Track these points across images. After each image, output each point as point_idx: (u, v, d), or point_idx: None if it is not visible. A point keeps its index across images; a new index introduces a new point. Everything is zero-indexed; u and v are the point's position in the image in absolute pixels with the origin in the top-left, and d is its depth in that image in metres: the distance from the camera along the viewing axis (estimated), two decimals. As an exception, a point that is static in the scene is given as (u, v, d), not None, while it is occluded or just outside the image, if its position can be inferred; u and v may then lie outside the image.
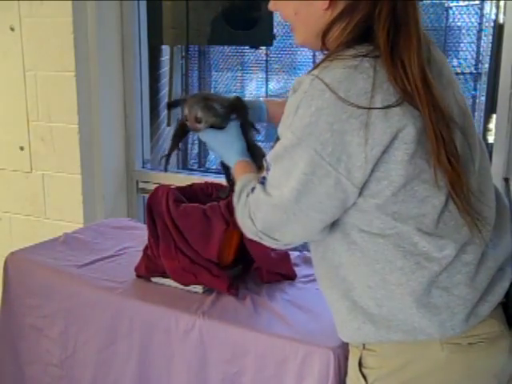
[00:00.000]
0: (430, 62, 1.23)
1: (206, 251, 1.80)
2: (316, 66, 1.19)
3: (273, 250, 1.89)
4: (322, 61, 1.19)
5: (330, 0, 1.21)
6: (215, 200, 1.87)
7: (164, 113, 3.73)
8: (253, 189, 1.30)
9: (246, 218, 1.31)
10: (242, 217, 1.33)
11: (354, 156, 1.13)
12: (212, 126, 1.55)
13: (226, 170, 1.69)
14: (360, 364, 1.32)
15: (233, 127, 1.55)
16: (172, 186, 1.93)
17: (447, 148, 1.15)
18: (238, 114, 1.57)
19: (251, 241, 1.76)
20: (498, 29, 2.43)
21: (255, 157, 1.55)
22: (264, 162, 1.30)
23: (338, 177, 1.15)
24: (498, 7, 2.62)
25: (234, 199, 1.38)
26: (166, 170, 1.79)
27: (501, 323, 1.26)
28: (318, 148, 1.13)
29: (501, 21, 2.39)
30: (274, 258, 1.89)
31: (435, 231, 1.19)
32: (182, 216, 1.82)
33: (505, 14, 2.28)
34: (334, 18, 1.21)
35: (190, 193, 2.01)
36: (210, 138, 1.56)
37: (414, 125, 1.13)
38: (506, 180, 1.32)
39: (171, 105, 1.89)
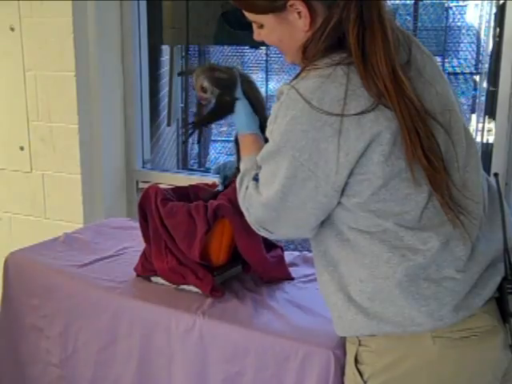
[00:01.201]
0: (409, 61, 1.26)
1: (190, 251, 1.80)
2: (295, 77, 1.24)
3: (269, 252, 1.90)
4: (301, 71, 1.24)
5: (310, 21, 1.24)
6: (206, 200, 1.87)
7: (164, 113, 3.73)
8: (254, 179, 1.37)
9: (244, 209, 1.39)
10: (242, 206, 1.41)
11: (329, 162, 1.18)
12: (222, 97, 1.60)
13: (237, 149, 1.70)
14: (356, 360, 1.34)
15: (239, 100, 1.59)
16: (169, 186, 1.93)
17: (424, 143, 1.18)
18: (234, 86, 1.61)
19: (245, 246, 1.79)
20: (498, 29, 2.44)
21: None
22: (258, 160, 1.36)
23: (317, 180, 1.20)
24: (497, 7, 2.62)
25: (237, 183, 1.44)
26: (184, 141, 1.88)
27: (494, 318, 1.27)
28: (295, 154, 1.19)
29: (501, 20, 2.39)
30: (269, 262, 1.87)
31: (418, 225, 1.22)
32: (168, 214, 1.82)
33: (504, 13, 2.28)
34: (312, 34, 1.25)
35: (185, 193, 2.01)
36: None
37: (389, 128, 1.16)
38: (496, 175, 1.34)
39: (182, 73, 1.97)
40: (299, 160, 1.19)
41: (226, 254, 1.86)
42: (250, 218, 1.38)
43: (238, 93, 1.59)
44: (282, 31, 1.30)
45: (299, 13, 1.24)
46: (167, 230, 1.82)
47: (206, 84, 1.59)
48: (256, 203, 1.33)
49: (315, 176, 1.19)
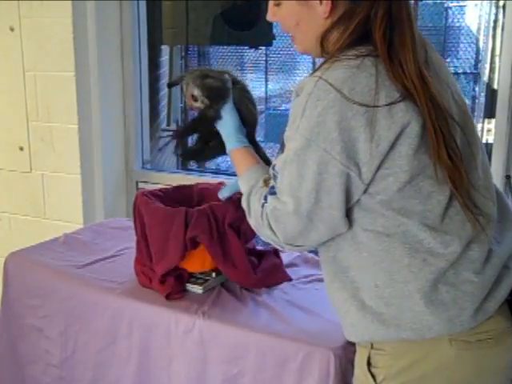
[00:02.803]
0: (426, 62, 1.25)
1: (157, 265, 1.83)
2: (317, 69, 1.20)
3: (259, 264, 1.91)
4: (324, 63, 1.21)
5: (330, 8, 1.22)
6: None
7: (164, 113, 3.73)
8: (265, 197, 1.30)
9: (266, 228, 1.30)
10: (260, 226, 1.32)
11: (361, 152, 1.15)
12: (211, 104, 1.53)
13: None
14: (369, 363, 1.31)
15: (227, 109, 1.54)
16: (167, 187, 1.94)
17: (447, 143, 1.17)
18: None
19: (228, 272, 1.80)
20: (499, 28, 2.44)
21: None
22: (270, 171, 1.30)
23: (349, 173, 1.17)
24: (497, 7, 2.63)
25: (243, 202, 1.37)
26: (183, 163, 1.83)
27: (507, 320, 1.27)
28: (327, 147, 1.15)
29: (500, 20, 2.39)
30: (257, 279, 1.86)
31: (441, 226, 1.20)
32: (147, 213, 1.84)
33: (504, 13, 2.28)
34: (333, 23, 1.23)
35: (188, 193, 2.02)
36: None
37: (418, 120, 1.15)
38: (508, 177, 1.33)
39: (171, 85, 1.88)
40: (330, 152, 1.15)
41: (210, 267, 1.88)
42: (278, 235, 1.28)
43: (226, 106, 1.54)
44: (300, 14, 1.26)
45: None
46: (144, 230, 1.87)
47: (196, 92, 1.52)
48: (284, 216, 1.24)
49: (347, 169, 1.16)
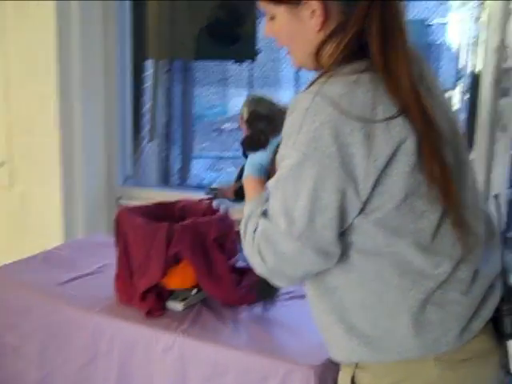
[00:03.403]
0: (421, 76, 1.24)
1: (139, 282, 1.82)
2: (312, 84, 1.19)
3: (241, 280, 1.90)
4: (319, 77, 1.19)
5: (322, 21, 1.21)
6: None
7: (146, 128, 3.72)
8: (262, 215, 1.26)
9: (255, 254, 1.24)
10: (250, 254, 1.26)
11: (358, 168, 1.13)
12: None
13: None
14: (353, 382, 1.30)
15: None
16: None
17: (440, 160, 1.16)
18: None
19: (210, 289, 1.80)
20: (480, 45, 2.46)
21: None
22: (264, 193, 1.27)
23: (346, 189, 1.14)
24: (478, 24, 2.65)
25: (241, 225, 1.32)
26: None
27: (491, 339, 1.26)
28: (325, 162, 1.13)
29: (481, 38, 2.41)
30: (239, 296, 1.85)
31: (431, 246, 1.19)
32: (130, 229, 1.84)
33: (486, 31, 2.31)
34: (326, 36, 1.22)
35: (170, 209, 2.01)
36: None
37: (414, 136, 1.14)
38: (496, 197, 1.33)
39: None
40: (328, 168, 1.12)
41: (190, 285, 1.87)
42: (266, 260, 1.22)
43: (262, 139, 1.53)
44: (293, 28, 1.25)
45: (313, 11, 1.20)
46: (127, 245, 1.86)
47: (245, 115, 1.55)
48: (275, 235, 1.19)
49: (344, 184, 1.13)
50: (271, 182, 1.23)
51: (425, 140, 1.14)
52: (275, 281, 1.28)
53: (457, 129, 1.28)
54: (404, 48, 1.18)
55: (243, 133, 1.60)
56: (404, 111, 1.14)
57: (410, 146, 1.14)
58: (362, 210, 1.17)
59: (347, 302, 1.25)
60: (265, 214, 1.24)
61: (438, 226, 1.18)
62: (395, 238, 1.18)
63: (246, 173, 1.52)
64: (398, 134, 1.13)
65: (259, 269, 1.26)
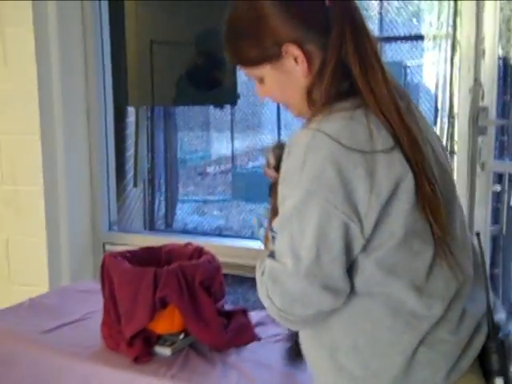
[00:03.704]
0: (409, 110, 1.24)
1: (126, 328, 1.81)
2: (308, 123, 1.19)
3: (229, 324, 1.89)
4: (314, 116, 1.19)
5: (308, 65, 1.22)
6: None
7: (130, 174, 3.73)
8: (268, 256, 1.24)
9: (265, 297, 1.21)
10: (262, 297, 1.24)
11: (360, 203, 1.13)
12: None
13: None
14: None
15: None
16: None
17: (436, 197, 1.17)
18: None
19: (197, 333, 1.79)
20: (455, 86, 2.52)
21: None
22: (269, 234, 1.25)
23: (350, 224, 1.13)
24: (452, 65, 2.72)
25: (256, 272, 1.29)
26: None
27: (479, 378, 1.25)
28: (329, 197, 1.12)
29: (456, 78, 2.47)
30: (226, 339, 1.85)
31: (425, 287, 1.18)
32: (116, 274, 1.84)
33: (459, 71, 2.37)
34: (313, 77, 1.23)
35: (156, 254, 2.02)
36: None
37: (412, 173, 1.14)
38: (478, 235, 1.33)
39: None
40: (333, 203, 1.12)
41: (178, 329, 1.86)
42: (275, 302, 1.19)
43: None
44: (283, 81, 1.26)
45: (295, 58, 1.21)
46: (112, 290, 1.86)
47: (271, 160, 1.51)
48: (282, 276, 1.17)
49: (349, 220, 1.12)
50: (276, 223, 1.21)
51: (420, 176, 1.15)
52: (287, 324, 1.25)
53: (445, 169, 1.29)
54: (383, 73, 1.19)
55: (271, 179, 1.57)
56: (399, 145, 1.15)
57: (409, 184, 1.14)
58: (363, 248, 1.16)
59: (339, 341, 1.23)
60: (271, 255, 1.22)
61: (431, 266, 1.18)
62: (392, 277, 1.17)
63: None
64: (398, 171, 1.13)
65: (271, 312, 1.23)
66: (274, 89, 1.30)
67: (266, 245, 1.36)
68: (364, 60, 1.19)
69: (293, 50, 1.21)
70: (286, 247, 1.18)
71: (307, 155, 1.14)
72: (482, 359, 1.26)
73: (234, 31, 1.28)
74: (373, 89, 1.17)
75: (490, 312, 1.27)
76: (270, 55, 1.23)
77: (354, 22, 1.20)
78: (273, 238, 1.22)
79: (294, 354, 1.49)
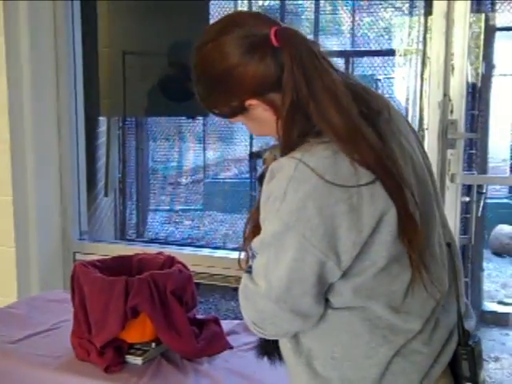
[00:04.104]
0: (388, 125, 1.24)
1: (96, 338, 1.80)
2: (289, 148, 1.19)
3: (200, 333, 1.89)
4: (298, 144, 1.19)
5: (273, 111, 1.23)
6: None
7: (101, 183, 3.71)
8: (246, 271, 1.25)
9: (241, 307, 1.25)
10: (239, 304, 1.27)
11: (342, 240, 1.12)
12: None
13: None
14: None
15: None
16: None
17: (415, 231, 1.16)
18: None
19: (168, 341, 1.78)
20: (425, 100, 2.57)
21: None
22: (249, 250, 1.25)
23: (327, 262, 1.13)
24: (422, 79, 2.77)
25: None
26: None
27: (450, 381, 1.27)
28: (307, 234, 1.11)
29: (426, 92, 2.52)
30: (198, 348, 1.84)
31: (402, 307, 1.20)
32: (87, 283, 1.83)
33: (429, 86, 2.42)
34: (283, 118, 1.20)
35: (127, 262, 2.01)
36: None
37: (394, 207, 1.13)
38: (449, 245, 1.34)
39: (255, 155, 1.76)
40: (310, 240, 1.11)
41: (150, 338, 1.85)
42: (248, 314, 1.23)
43: None
44: (260, 124, 1.29)
45: (262, 108, 1.23)
46: (83, 301, 1.84)
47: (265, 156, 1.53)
48: (255, 296, 1.20)
49: (325, 257, 1.12)
50: (256, 244, 1.21)
51: (402, 209, 1.14)
52: (261, 336, 1.27)
53: (425, 185, 1.29)
54: (340, 106, 1.16)
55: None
56: (378, 178, 1.13)
57: (391, 218, 1.13)
58: (342, 276, 1.16)
59: (315, 350, 1.24)
60: (249, 270, 1.23)
61: (408, 288, 1.19)
62: (370, 300, 1.18)
63: None
64: (381, 205, 1.12)
65: (246, 320, 1.26)
66: (256, 129, 1.34)
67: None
68: (316, 97, 1.16)
69: (254, 103, 1.23)
70: (261, 269, 1.19)
71: (289, 186, 1.13)
72: (453, 364, 1.28)
73: (204, 82, 1.32)
74: (332, 127, 1.15)
75: (460, 319, 1.29)
76: (237, 110, 1.27)
77: (303, 60, 1.17)
78: (252, 255, 1.23)
79: (263, 351, 1.50)
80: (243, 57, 1.19)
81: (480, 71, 3.33)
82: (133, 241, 2.98)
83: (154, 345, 1.83)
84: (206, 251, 3.08)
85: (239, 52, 1.20)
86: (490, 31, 3.99)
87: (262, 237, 1.19)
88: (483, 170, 4.11)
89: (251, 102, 1.23)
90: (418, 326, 1.21)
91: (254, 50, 1.19)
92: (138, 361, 1.79)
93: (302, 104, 1.18)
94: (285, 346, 1.31)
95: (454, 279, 1.31)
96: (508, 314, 4.76)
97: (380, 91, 4.79)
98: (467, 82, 2.46)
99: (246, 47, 1.19)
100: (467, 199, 2.68)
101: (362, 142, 1.15)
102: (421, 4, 3.18)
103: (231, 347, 1.90)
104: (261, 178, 1.44)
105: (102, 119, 3.79)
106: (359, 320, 1.20)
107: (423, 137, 2.50)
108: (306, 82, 1.17)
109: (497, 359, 4.10)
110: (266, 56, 1.19)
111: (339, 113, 1.15)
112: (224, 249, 3.85)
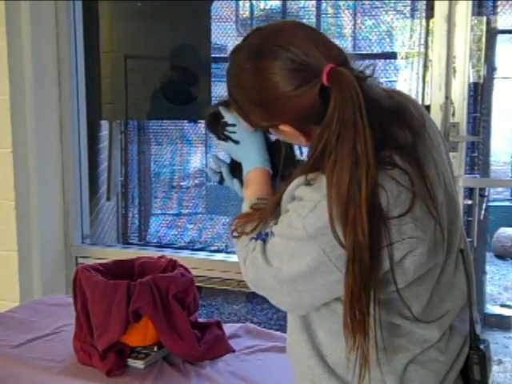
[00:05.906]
0: (425, 144, 1.22)
1: (98, 341, 1.80)
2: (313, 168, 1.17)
3: (202, 336, 1.89)
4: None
5: (304, 137, 1.23)
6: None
7: (104, 187, 3.72)
8: (257, 237, 1.24)
9: (242, 261, 1.27)
10: (239, 257, 1.28)
11: None
12: None
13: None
14: None
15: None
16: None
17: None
18: None
19: (170, 345, 1.78)
20: (425, 103, 2.57)
21: (274, 157, 1.42)
22: (268, 228, 1.24)
23: (341, 275, 1.13)
24: (424, 82, 2.77)
25: (238, 222, 1.30)
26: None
27: None
28: (327, 249, 1.12)
29: (427, 96, 2.52)
30: (200, 352, 1.84)
31: (422, 315, 1.20)
32: (89, 287, 1.83)
33: (431, 89, 2.42)
34: (315, 143, 1.17)
35: (129, 266, 2.01)
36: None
37: (425, 236, 1.14)
38: (461, 251, 1.33)
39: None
40: (329, 255, 1.12)
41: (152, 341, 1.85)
42: (247, 275, 1.26)
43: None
44: (291, 138, 1.27)
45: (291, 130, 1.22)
46: (85, 304, 1.84)
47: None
48: (261, 269, 1.21)
49: (340, 272, 1.12)
50: (277, 229, 1.20)
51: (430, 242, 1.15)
52: (254, 290, 1.28)
53: (454, 194, 1.29)
54: (358, 167, 1.10)
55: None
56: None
57: (420, 253, 1.14)
58: None
59: (329, 349, 1.24)
60: (263, 238, 1.23)
61: (429, 300, 1.21)
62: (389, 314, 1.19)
63: (249, 167, 1.41)
64: (409, 240, 1.13)
65: (242, 274, 1.28)
66: (288, 140, 1.32)
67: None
68: (337, 155, 1.11)
69: (288, 129, 1.22)
70: (277, 253, 1.19)
71: (321, 203, 1.12)
72: (465, 369, 1.29)
73: (242, 92, 1.25)
74: (336, 188, 1.11)
75: (472, 324, 1.29)
76: (266, 129, 1.29)
77: (345, 113, 1.11)
78: (271, 232, 1.21)
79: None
80: (291, 86, 1.15)
81: (482, 74, 3.33)
82: (135, 245, 2.98)
83: (156, 348, 1.83)
84: (207, 255, 3.07)
85: (289, 83, 1.15)
86: (492, 34, 3.99)
87: (284, 228, 1.19)
88: (485, 172, 4.10)
89: (284, 128, 1.22)
90: (436, 337, 1.22)
91: (304, 84, 1.15)
92: (140, 364, 1.79)
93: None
94: (294, 337, 1.29)
95: (466, 286, 1.30)
96: (511, 317, 4.75)
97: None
98: (469, 85, 2.47)
99: (297, 79, 1.15)
100: (469, 202, 2.68)
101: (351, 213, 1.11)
102: (422, 7, 3.18)
103: (233, 351, 1.90)
104: (209, 124, 1.43)
105: (104, 123, 3.80)
106: (377, 328, 1.17)
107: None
108: (337, 136, 1.12)
109: (500, 362, 4.10)
110: (314, 92, 1.14)
111: (350, 181, 1.11)
112: (222, 252, 3.83)
